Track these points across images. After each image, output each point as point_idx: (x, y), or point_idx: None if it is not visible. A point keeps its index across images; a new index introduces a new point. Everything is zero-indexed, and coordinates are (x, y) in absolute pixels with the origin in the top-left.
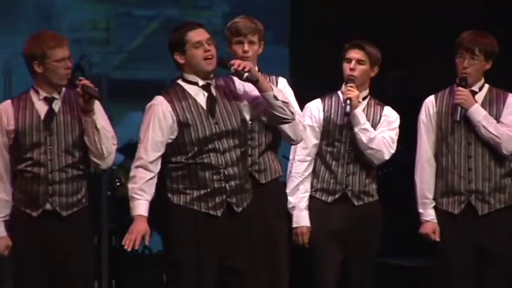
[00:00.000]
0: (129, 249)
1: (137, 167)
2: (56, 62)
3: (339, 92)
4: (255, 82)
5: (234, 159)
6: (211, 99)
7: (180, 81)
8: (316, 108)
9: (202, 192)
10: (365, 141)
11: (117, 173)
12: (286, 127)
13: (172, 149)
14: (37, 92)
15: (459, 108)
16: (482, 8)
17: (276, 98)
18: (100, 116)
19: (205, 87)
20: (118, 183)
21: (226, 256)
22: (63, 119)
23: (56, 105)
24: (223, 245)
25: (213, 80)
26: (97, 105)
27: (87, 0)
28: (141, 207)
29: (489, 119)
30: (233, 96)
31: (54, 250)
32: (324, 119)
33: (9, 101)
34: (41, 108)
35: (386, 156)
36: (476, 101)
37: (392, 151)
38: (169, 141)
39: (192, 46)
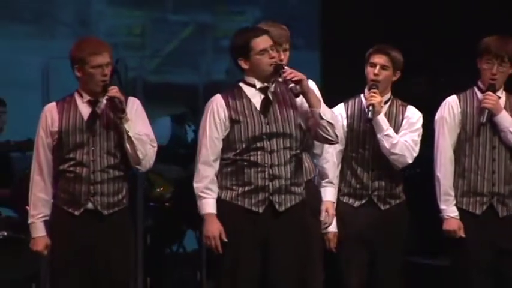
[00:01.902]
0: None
1: (201, 163)
2: (93, 69)
3: (362, 96)
4: (297, 95)
5: (281, 160)
6: (265, 101)
7: (240, 83)
8: (339, 115)
9: (246, 189)
10: (388, 147)
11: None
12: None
13: (223, 146)
14: (81, 95)
15: (486, 111)
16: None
17: (321, 116)
18: (137, 121)
19: (262, 90)
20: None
21: (267, 252)
22: (105, 121)
23: (99, 107)
24: (264, 241)
25: (273, 85)
26: (135, 110)
27: (123, 6)
28: (209, 205)
29: None
30: (291, 102)
31: (94, 248)
32: (347, 125)
33: (54, 103)
34: (85, 110)
35: (409, 160)
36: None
37: (415, 154)
38: (223, 137)
39: (257, 54)
